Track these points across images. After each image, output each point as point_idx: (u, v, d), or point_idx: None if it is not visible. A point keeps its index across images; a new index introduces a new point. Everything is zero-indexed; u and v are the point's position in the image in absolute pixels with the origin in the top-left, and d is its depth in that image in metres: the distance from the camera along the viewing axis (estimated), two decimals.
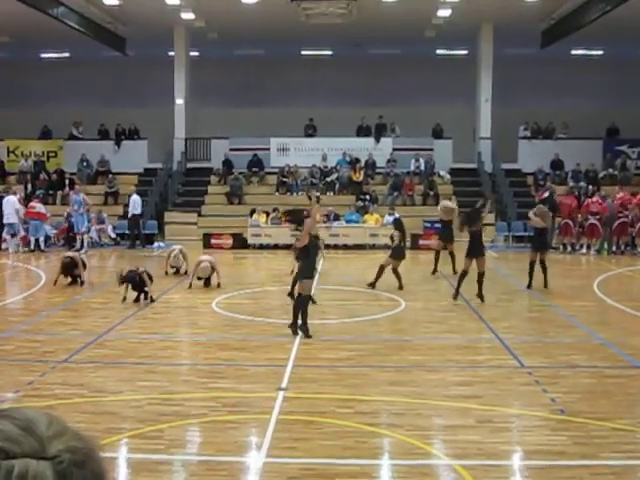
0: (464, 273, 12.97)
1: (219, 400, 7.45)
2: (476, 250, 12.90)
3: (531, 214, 14.71)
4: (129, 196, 23.38)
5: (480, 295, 12.97)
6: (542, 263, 14.41)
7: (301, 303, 10.42)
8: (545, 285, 14.45)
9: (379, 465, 6.08)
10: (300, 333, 10.24)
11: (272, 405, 7.20)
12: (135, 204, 22.62)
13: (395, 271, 14.38)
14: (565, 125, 27.29)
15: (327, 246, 18.40)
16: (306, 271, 10.47)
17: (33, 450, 0.91)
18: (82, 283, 14.71)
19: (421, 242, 21.73)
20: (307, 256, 10.53)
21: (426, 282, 15.47)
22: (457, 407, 7.28)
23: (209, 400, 7.48)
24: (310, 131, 28.15)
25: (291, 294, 12.32)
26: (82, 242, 21.31)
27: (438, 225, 18.57)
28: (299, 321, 10.31)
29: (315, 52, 30.82)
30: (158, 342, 10.13)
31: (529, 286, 14.52)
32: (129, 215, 22.66)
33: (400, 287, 14.25)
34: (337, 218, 22.58)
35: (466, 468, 5.75)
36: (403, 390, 7.79)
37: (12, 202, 21.40)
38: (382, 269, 14.39)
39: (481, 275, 12.99)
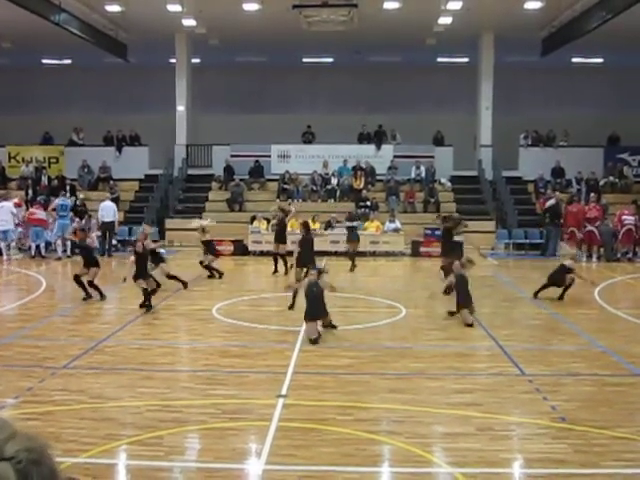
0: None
1: (219, 407, 7.43)
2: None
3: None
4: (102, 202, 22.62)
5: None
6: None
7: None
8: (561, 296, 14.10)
9: (379, 473, 6.06)
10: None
11: (272, 412, 7.19)
12: (107, 210, 22.01)
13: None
14: (566, 133, 27.31)
15: (326, 253, 18.34)
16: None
17: None
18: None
19: (422, 249, 21.73)
20: None
21: (427, 289, 15.44)
22: (457, 415, 7.26)
23: (209, 407, 7.46)
24: (308, 138, 28.17)
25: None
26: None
27: (439, 233, 18.70)
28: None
29: (316, 59, 30.87)
30: (158, 348, 10.12)
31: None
32: (105, 221, 21.82)
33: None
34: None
35: (466, 476, 5.73)
36: (403, 397, 7.77)
37: (7, 208, 21.24)
38: None
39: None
